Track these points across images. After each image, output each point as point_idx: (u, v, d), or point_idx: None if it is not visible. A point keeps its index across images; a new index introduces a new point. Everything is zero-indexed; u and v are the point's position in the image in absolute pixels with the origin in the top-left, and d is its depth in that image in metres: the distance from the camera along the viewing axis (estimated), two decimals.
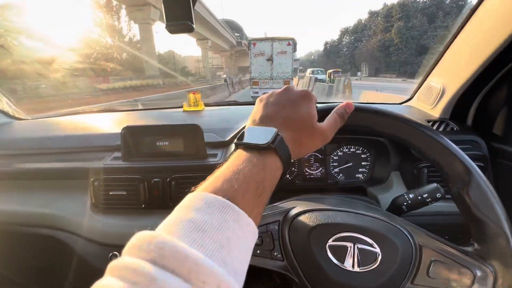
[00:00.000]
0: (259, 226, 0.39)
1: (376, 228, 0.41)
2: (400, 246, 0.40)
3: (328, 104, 0.46)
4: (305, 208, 0.43)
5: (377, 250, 0.39)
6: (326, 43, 75.69)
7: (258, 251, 0.41)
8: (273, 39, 10.76)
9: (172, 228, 0.25)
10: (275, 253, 0.41)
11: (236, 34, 60.71)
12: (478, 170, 0.40)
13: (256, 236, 0.30)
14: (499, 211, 0.39)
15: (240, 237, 0.26)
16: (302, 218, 0.42)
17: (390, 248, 0.39)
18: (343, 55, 68.57)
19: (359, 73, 51.03)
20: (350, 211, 0.43)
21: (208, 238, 0.24)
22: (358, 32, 65.68)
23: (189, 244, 0.22)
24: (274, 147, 0.34)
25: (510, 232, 0.38)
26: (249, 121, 0.41)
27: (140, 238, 0.23)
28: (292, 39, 10.73)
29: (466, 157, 0.40)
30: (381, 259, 0.38)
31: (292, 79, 11.29)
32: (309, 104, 0.41)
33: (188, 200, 0.28)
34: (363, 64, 53.77)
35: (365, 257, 0.38)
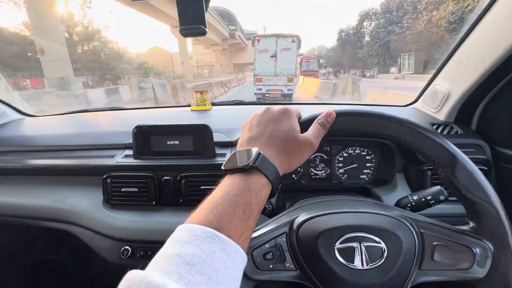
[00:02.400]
0: (267, 241, 0.42)
1: (378, 224, 0.42)
2: (403, 237, 0.41)
3: (310, 114, 0.48)
4: (308, 216, 0.44)
5: (382, 245, 0.40)
6: (341, 32, 58.96)
7: (270, 266, 0.42)
8: (277, 36, 10.71)
9: (162, 264, 0.27)
10: (287, 264, 0.42)
11: (230, 26, 53.57)
12: (462, 153, 0.43)
13: (245, 260, 0.32)
14: (488, 191, 0.41)
15: (229, 266, 0.28)
16: (307, 225, 0.43)
17: (394, 240, 0.41)
18: (366, 45, 49.55)
19: (393, 69, 36.87)
20: (351, 211, 0.45)
21: (196, 272, 0.25)
22: (390, 12, 44.48)
23: (177, 280, 0.24)
24: (256, 166, 0.36)
25: (502, 211, 0.41)
26: (237, 146, 0.44)
27: (129, 279, 0.24)
28: (297, 36, 10.76)
29: (449, 143, 0.43)
30: (387, 253, 0.40)
31: (296, 76, 11.21)
32: (290, 119, 0.44)
33: (178, 232, 0.30)
34: (404, 56, 33.45)
35: (372, 254, 0.40)
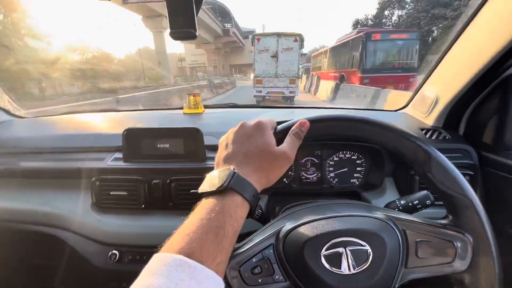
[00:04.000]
0: (254, 255, 0.41)
1: (361, 227, 0.43)
2: (386, 237, 0.42)
3: (285, 124, 0.49)
4: (293, 225, 0.44)
5: (367, 247, 0.40)
6: (357, 22, 44.94)
7: (259, 280, 0.41)
8: (278, 35, 9.98)
9: None
10: (276, 277, 0.42)
11: (226, 24, 46.07)
12: (435, 150, 0.44)
13: (221, 284, 0.32)
14: (463, 184, 0.43)
15: None
16: (293, 235, 0.43)
17: (378, 242, 0.41)
18: None
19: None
20: (334, 216, 0.45)
21: None
22: None
23: None
24: (230, 186, 0.37)
25: (477, 202, 0.42)
26: (214, 165, 0.44)
27: None
28: (300, 35, 10.04)
29: (422, 141, 0.45)
30: (372, 255, 0.40)
31: (298, 77, 10.61)
32: (264, 133, 0.44)
33: (151, 263, 0.31)
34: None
35: (358, 258, 0.40)
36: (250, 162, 0.41)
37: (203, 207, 0.36)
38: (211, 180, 0.39)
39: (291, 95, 10.50)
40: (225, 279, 0.40)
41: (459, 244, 0.42)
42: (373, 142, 0.48)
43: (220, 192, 0.37)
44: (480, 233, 0.42)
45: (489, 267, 0.42)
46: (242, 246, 0.44)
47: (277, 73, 10.34)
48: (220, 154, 0.45)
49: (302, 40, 10.15)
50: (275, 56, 10.18)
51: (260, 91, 10.51)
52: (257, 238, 0.45)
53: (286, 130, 0.47)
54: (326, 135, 0.49)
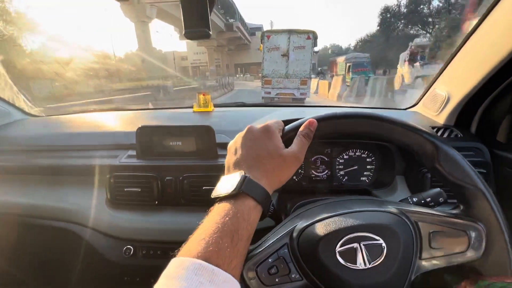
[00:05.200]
0: (269, 256, 0.42)
1: (374, 222, 0.43)
2: (400, 230, 0.42)
3: (293, 124, 0.49)
4: (306, 223, 0.45)
5: (381, 241, 0.41)
6: (385, 12, 38.54)
7: (276, 280, 0.42)
8: (290, 32, 9.35)
9: None
10: (292, 275, 0.42)
11: (231, 20, 40.32)
12: (443, 142, 0.45)
13: (238, 287, 0.33)
14: (473, 175, 0.43)
15: None
16: (307, 233, 0.44)
17: (392, 235, 0.42)
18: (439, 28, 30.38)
19: None
20: (346, 212, 0.45)
21: None
22: None
23: None
24: (243, 191, 0.37)
25: (487, 192, 0.43)
26: (225, 170, 0.45)
27: None
28: (313, 32, 9.37)
29: (430, 133, 0.45)
30: (387, 249, 0.41)
31: (310, 78, 9.96)
32: (271, 136, 0.45)
33: (170, 267, 0.32)
34: None
35: (372, 252, 0.40)
36: (260, 165, 0.42)
37: (217, 212, 0.37)
38: (224, 185, 0.40)
39: (302, 97, 9.90)
40: (243, 280, 0.41)
41: (472, 233, 0.43)
42: (381, 138, 0.48)
43: (233, 196, 0.38)
44: (493, 221, 0.43)
45: (503, 255, 0.42)
46: (257, 247, 0.45)
47: (288, 73, 9.73)
48: (230, 159, 0.45)
49: (315, 37, 9.48)
50: (285, 55, 9.56)
51: (269, 92, 9.94)
52: (271, 239, 0.45)
53: (294, 131, 0.48)
54: (334, 133, 0.50)
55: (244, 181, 0.38)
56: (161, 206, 0.87)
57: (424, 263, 0.43)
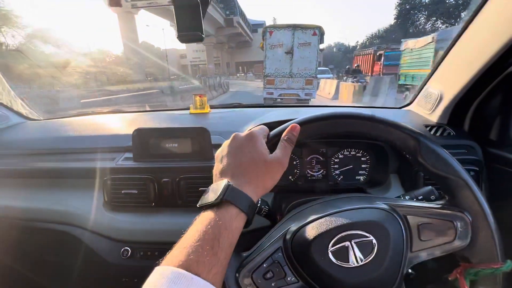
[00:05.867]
0: (264, 261, 0.43)
1: (363, 219, 0.44)
2: (389, 225, 0.43)
3: (277, 130, 0.50)
4: (298, 226, 0.45)
5: (371, 238, 0.41)
6: (404, 1, 35.56)
7: (272, 284, 0.42)
8: (294, 27, 8.56)
9: None
10: (288, 278, 0.43)
11: (229, 13, 36.99)
12: (424, 135, 0.46)
13: None
14: (455, 165, 0.45)
15: None
16: (299, 235, 0.44)
17: (381, 230, 0.42)
18: None
19: None
20: (336, 211, 0.46)
21: None
22: None
23: None
24: (225, 199, 0.38)
25: (471, 181, 0.44)
26: (213, 178, 0.46)
27: None
28: (319, 28, 8.55)
29: (411, 128, 0.47)
30: (377, 245, 0.41)
31: (316, 77, 9.10)
32: (256, 143, 0.46)
33: (152, 276, 0.33)
34: None
35: (364, 249, 0.41)
36: (244, 173, 0.43)
37: (200, 220, 0.38)
38: (209, 194, 0.41)
39: (307, 97, 9.10)
40: None
41: (458, 223, 0.44)
42: (365, 136, 0.49)
43: (216, 205, 0.39)
44: (477, 209, 0.44)
45: (489, 241, 0.43)
46: (251, 253, 0.45)
47: (292, 72, 8.96)
48: (217, 167, 0.46)
49: (322, 33, 8.66)
50: (289, 52, 8.78)
51: (271, 93, 9.16)
52: (265, 244, 0.46)
53: (278, 136, 0.49)
54: (318, 134, 0.50)
55: (227, 189, 0.39)
56: (158, 208, 0.88)
57: (415, 255, 0.44)
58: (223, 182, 0.41)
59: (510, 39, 0.64)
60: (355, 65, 20.09)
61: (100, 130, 1.13)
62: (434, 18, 34.48)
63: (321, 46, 8.96)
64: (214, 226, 0.36)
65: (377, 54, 18.80)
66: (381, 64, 18.00)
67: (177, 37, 0.70)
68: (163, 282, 0.30)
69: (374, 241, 0.41)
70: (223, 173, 0.44)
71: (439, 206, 0.47)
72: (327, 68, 23.34)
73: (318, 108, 1.49)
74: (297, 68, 8.90)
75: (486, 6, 0.72)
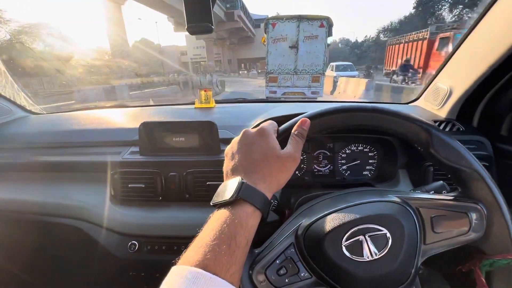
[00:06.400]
0: (277, 257, 0.42)
1: (376, 212, 0.43)
2: (402, 218, 0.43)
3: (286, 124, 0.49)
4: (310, 221, 0.45)
5: (385, 231, 0.41)
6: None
7: (286, 280, 0.42)
8: (300, 18, 7.58)
9: None
10: (301, 274, 0.43)
11: (229, 6, 34.88)
12: (436, 127, 0.45)
13: None
14: (468, 157, 0.44)
15: None
16: (311, 231, 0.44)
17: (395, 224, 0.42)
18: None
19: None
20: (348, 205, 0.46)
21: None
22: None
23: None
24: (240, 197, 0.37)
25: (484, 173, 0.44)
26: (224, 176, 0.45)
27: None
28: (327, 19, 7.55)
29: (422, 120, 0.46)
30: (392, 238, 0.41)
31: (323, 74, 8.17)
32: (267, 139, 0.45)
33: (170, 276, 0.32)
34: None
35: (378, 243, 0.41)
36: (257, 169, 0.42)
37: (215, 219, 0.37)
38: (221, 192, 0.40)
39: (314, 95, 8.18)
40: (253, 285, 0.41)
41: (472, 214, 0.44)
42: (375, 129, 0.48)
43: (230, 203, 0.38)
44: (491, 200, 0.44)
45: (504, 232, 0.43)
46: (263, 250, 0.45)
47: (297, 68, 8.03)
48: (227, 165, 0.45)
49: (330, 25, 7.64)
50: (294, 46, 7.82)
51: (275, 92, 8.29)
52: (276, 240, 0.46)
53: (288, 131, 0.48)
54: (328, 128, 0.50)
55: (241, 187, 0.38)
56: (165, 202, 0.87)
57: (429, 247, 0.44)
58: (237, 179, 0.40)
59: None
60: (403, 59, 13.85)
61: (105, 124, 1.12)
62: (461, 7, 31.48)
63: (329, 40, 8.10)
64: (230, 224, 0.36)
65: (438, 38, 12.15)
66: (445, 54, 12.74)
67: (187, 29, 0.69)
68: (182, 282, 0.30)
69: (388, 234, 0.41)
70: (235, 171, 0.43)
71: (452, 198, 0.46)
72: (350, 63, 17.56)
73: (323, 103, 1.48)
74: (302, 64, 7.99)
75: (499, 1, 0.71)
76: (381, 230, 0.41)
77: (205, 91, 1.26)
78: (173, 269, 0.33)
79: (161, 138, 0.90)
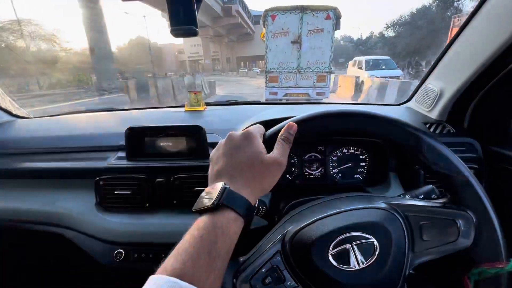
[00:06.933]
0: (262, 265, 0.41)
1: (363, 220, 0.42)
2: (390, 226, 0.42)
3: (274, 129, 0.48)
4: (297, 228, 0.44)
5: (372, 239, 0.40)
6: None
7: None
8: (303, 9, 6.62)
9: None
10: (288, 283, 0.41)
11: (225, 0, 32.59)
12: (425, 133, 0.45)
13: None
14: (457, 163, 0.43)
15: None
16: (298, 238, 0.43)
17: (382, 232, 0.41)
18: None
19: None
20: (335, 212, 0.45)
21: None
22: None
23: None
24: (222, 203, 0.36)
25: (473, 179, 0.43)
26: (208, 181, 0.44)
27: None
28: (334, 9, 6.57)
29: (410, 125, 0.45)
30: (379, 246, 0.40)
31: (330, 73, 7.20)
32: (252, 143, 0.43)
33: (146, 285, 0.31)
34: None
35: (365, 251, 0.40)
36: (241, 174, 0.41)
37: (196, 226, 0.36)
38: (204, 198, 0.39)
39: (319, 97, 7.22)
40: None
41: (461, 222, 0.43)
42: (364, 133, 0.48)
43: (212, 209, 0.37)
44: (480, 208, 0.43)
45: (493, 240, 0.43)
46: (249, 258, 0.43)
47: (300, 66, 7.08)
48: (212, 169, 0.44)
49: (338, 17, 6.64)
50: (297, 41, 6.87)
51: (275, 93, 7.37)
52: (263, 247, 0.44)
53: (275, 136, 0.47)
54: (316, 133, 0.49)
55: (223, 192, 0.37)
56: (152, 209, 0.85)
57: (418, 256, 0.43)
58: (219, 185, 0.39)
59: None
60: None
61: (91, 128, 1.09)
62: None
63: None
64: (211, 231, 0.34)
65: None
66: None
67: (170, 32, 0.67)
68: None
69: (375, 242, 0.40)
70: (218, 175, 0.42)
71: (441, 204, 0.45)
72: (387, 57, 13.45)
73: (316, 106, 1.47)
74: (306, 62, 7.03)
75: (488, 1, 0.71)
76: (369, 238, 0.40)
77: (195, 93, 1.25)
78: (151, 277, 0.31)
79: (147, 143, 0.88)
